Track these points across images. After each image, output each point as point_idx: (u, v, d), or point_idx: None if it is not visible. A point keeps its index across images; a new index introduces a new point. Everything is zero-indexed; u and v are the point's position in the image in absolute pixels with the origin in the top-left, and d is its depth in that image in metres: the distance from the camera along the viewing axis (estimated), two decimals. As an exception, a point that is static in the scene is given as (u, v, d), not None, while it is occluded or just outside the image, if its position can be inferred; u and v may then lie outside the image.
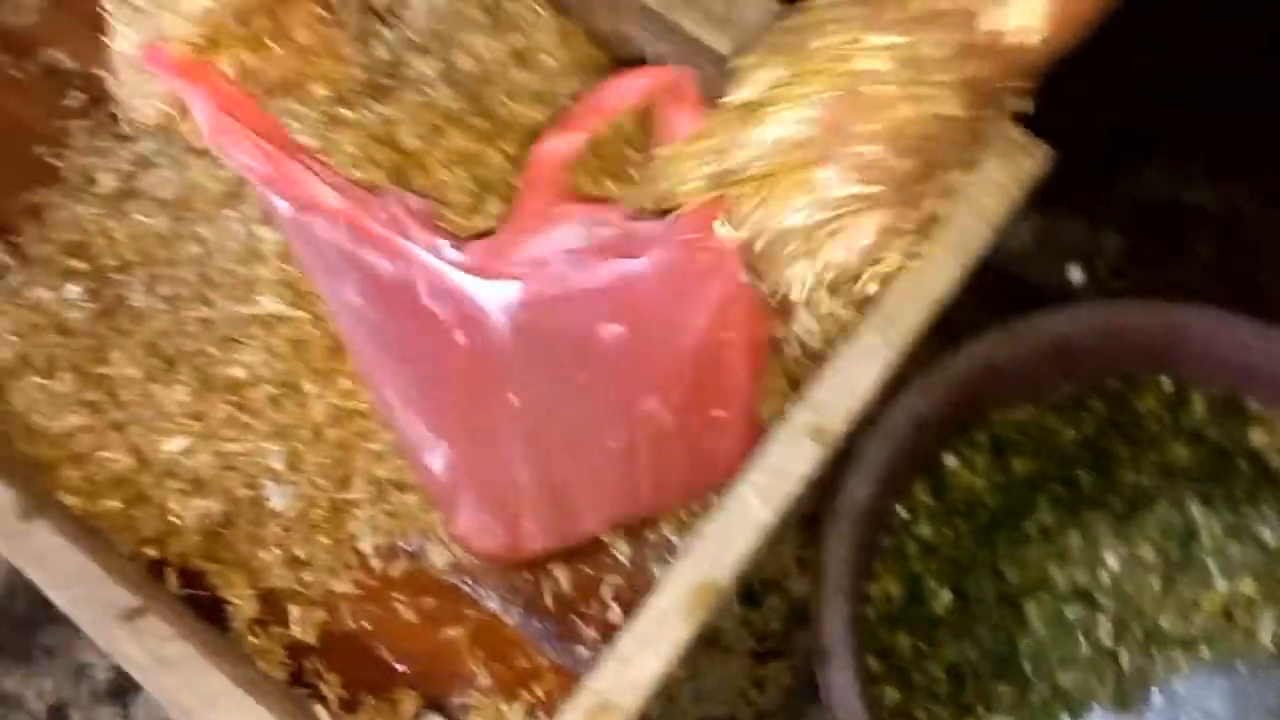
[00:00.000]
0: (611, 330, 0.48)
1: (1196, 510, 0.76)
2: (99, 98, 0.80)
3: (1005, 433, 0.91)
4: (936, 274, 0.55)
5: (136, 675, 0.54)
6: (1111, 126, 0.92)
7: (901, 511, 0.90)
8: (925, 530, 0.90)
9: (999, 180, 0.56)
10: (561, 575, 0.67)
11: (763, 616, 0.70)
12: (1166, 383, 0.89)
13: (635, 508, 0.64)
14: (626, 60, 0.73)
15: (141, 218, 0.73)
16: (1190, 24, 0.97)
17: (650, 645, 0.52)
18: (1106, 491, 0.87)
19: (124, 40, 0.55)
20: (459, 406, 0.53)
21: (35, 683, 0.94)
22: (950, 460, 0.91)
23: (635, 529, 0.67)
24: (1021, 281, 1.12)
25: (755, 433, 0.59)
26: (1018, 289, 1.10)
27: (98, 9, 0.82)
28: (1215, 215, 1.03)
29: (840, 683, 0.59)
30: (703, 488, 0.63)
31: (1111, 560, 0.82)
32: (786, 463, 0.53)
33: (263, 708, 0.53)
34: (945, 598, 0.73)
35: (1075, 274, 1.13)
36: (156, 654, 0.53)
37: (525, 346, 0.48)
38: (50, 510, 0.58)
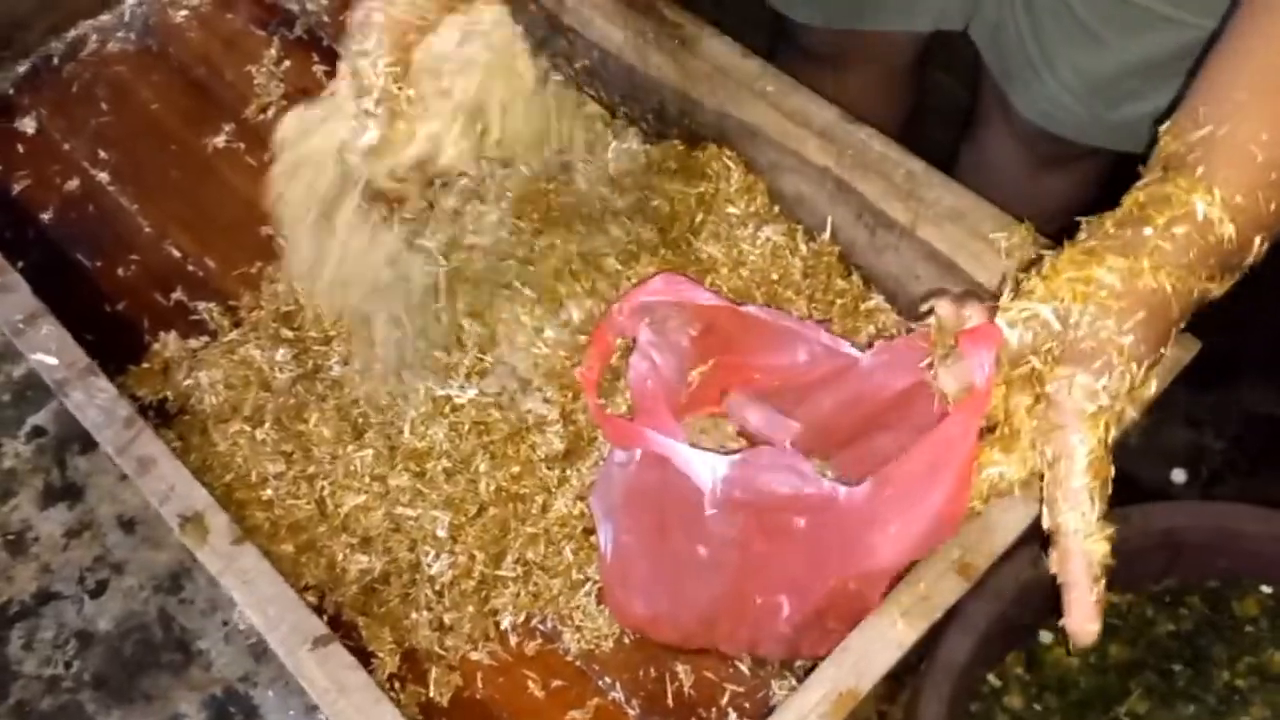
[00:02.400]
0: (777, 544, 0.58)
1: (1292, 716, 0.78)
2: (320, 190, 0.91)
3: (1104, 616, 0.94)
4: (1085, 440, 0.60)
5: (316, 697, 0.59)
6: (1219, 343, 0.98)
7: (993, 680, 0.93)
8: (1015, 702, 0.92)
9: (1149, 365, 0.61)
10: (685, 676, 0.71)
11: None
12: (1267, 590, 0.92)
13: (755, 648, 0.71)
14: (799, 219, 0.81)
15: (349, 298, 0.81)
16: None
17: (788, 742, 0.56)
18: (1201, 688, 0.89)
19: None
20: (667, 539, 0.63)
21: (129, 726, 0.99)
22: (1046, 636, 0.94)
23: (761, 643, 0.71)
24: (1128, 477, 1.16)
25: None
26: (1123, 484, 1.15)
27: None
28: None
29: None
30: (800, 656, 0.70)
31: (1204, 757, 0.84)
32: (932, 591, 0.58)
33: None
34: (1030, 772, 0.75)
35: (1179, 475, 1.18)
36: (337, 679, 0.59)
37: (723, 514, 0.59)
38: (252, 539, 0.64)
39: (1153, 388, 0.56)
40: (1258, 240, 0.56)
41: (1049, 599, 0.92)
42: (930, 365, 0.59)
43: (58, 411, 0.99)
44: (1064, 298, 0.54)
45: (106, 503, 1.11)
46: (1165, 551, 0.91)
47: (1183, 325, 0.57)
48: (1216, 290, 0.57)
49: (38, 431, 1.13)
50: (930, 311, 0.61)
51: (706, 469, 0.57)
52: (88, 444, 0.95)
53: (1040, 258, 0.57)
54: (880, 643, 0.57)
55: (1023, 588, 0.88)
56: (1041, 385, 0.56)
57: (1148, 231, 0.55)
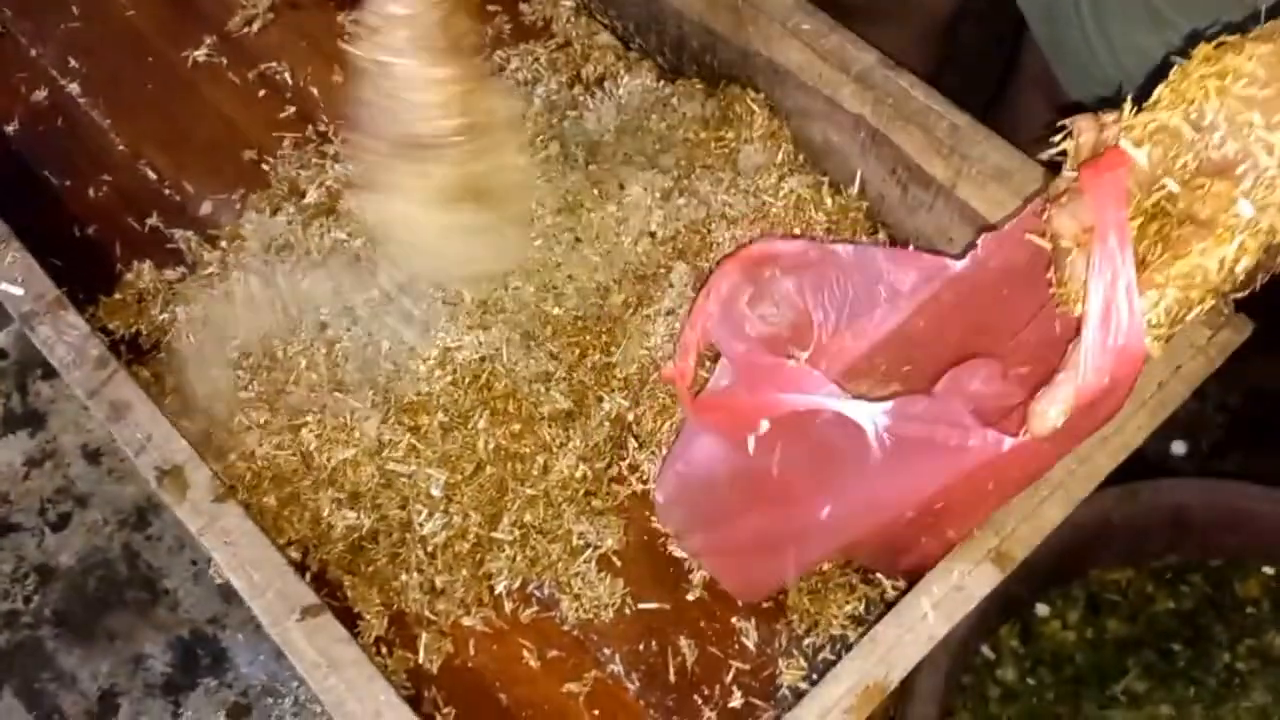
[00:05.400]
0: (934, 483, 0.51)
1: (1292, 698, 0.76)
2: (309, 114, 0.84)
3: (1103, 592, 0.92)
4: (1133, 424, 0.56)
5: (304, 672, 0.55)
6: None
7: (986, 652, 0.91)
8: (1009, 675, 0.90)
9: (1202, 346, 0.58)
10: (688, 651, 0.67)
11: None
12: (1270, 571, 0.90)
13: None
14: (825, 171, 0.76)
15: (340, 235, 0.75)
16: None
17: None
18: (1202, 669, 0.87)
19: None
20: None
21: (92, 664, 0.95)
22: (1042, 609, 0.92)
23: (769, 618, 0.68)
24: (1129, 446, 1.14)
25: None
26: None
27: (320, 30, 0.87)
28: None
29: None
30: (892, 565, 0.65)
31: (1202, 738, 0.82)
32: (966, 582, 0.54)
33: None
34: (1021, 746, 0.73)
35: (1178, 447, 1.15)
36: (328, 654, 0.54)
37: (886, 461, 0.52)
38: (237, 495, 0.60)
39: None
40: None
41: (1047, 572, 0.90)
42: (1043, 212, 0.49)
43: (20, 334, 0.93)
44: (1195, 99, 0.45)
45: (70, 431, 1.05)
46: (1171, 528, 0.89)
47: None
48: None
49: (-1, 354, 1.06)
50: (1066, 136, 0.50)
51: (865, 416, 0.50)
52: (52, 369, 0.90)
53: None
54: (911, 634, 0.54)
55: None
56: (1176, 208, 0.46)
57: None
